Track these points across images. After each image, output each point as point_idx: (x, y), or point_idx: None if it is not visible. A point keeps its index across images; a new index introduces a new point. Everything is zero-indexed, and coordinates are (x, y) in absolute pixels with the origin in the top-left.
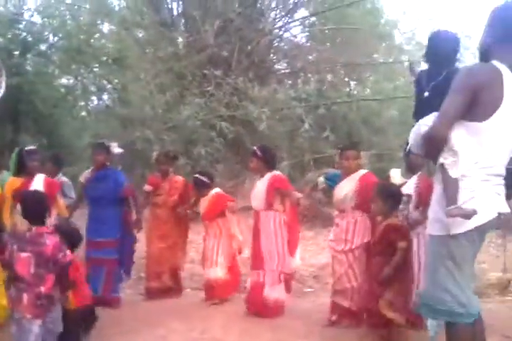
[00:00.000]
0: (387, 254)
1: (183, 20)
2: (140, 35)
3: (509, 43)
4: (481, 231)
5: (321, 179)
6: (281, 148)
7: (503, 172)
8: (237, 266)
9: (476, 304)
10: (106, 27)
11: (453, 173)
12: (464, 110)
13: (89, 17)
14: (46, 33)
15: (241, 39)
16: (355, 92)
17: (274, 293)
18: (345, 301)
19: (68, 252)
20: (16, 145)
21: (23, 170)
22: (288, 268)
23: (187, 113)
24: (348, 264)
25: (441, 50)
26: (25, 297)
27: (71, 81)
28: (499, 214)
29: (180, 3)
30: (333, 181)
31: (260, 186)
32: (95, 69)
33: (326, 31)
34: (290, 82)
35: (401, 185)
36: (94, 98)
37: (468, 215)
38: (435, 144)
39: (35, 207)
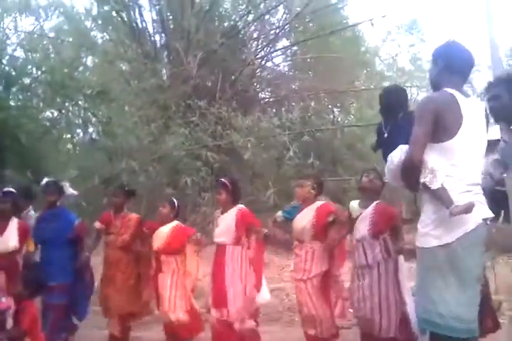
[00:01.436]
0: None
1: (166, 52)
2: (124, 67)
3: (452, 74)
4: (474, 239)
5: (279, 213)
6: (267, 176)
7: (479, 180)
8: (195, 307)
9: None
10: (89, 60)
11: (434, 185)
12: (431, 133)
13: (73, 50)
14: (29, 67)
15: (224, 69)
16: (339, 119)
17: (244, 325)
18: (310, 329)
19: (4, 300)
20: (1, 180)
21: None
22: (254, 304)
23: (172, 143)
24: (307, 292)
25: (393, 102)
26: None
27: (55, 114)
28: (484, 220)
29: (163, 35)
30: (291, 214)
31: (228, 220)
32: (80, 102)
33: (308, 60)
34: (274, 110)
35: (358, 216)
36: (79, 131)
37: (468, 208)
38: (414, 168)
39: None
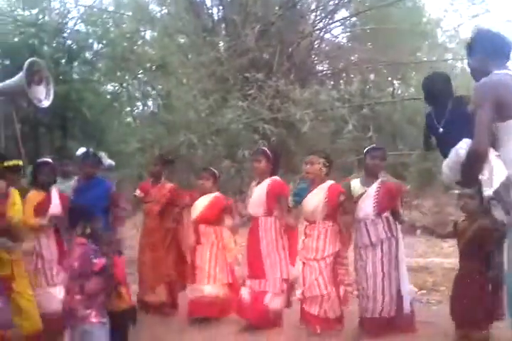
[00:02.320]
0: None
1: (223, 25)
2: (182, 41)
3: (495, 57)
4: None
5: (289, 198)
6: (325, 150)
7: None
8: (237, 281)
9: None
10: (148, 34)
11: (486, 192)
12: (493, 118)
13: (132, 24)
14: (90, 41)
15: (282, 41)
16: (399, 92)
17: (274, 303)
18: (314, 309)
19: (99, 260)
20: (65, 152)
21: (36, 182)
22: (290, 276)
23: (230, 116)
24: (319, 271)
25: (437, 91)
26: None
27: (116, 88)
28: None
29: (221, 8)
30: (300, 195)
31: (260, 191)
32: (139, 76)
33: (368, 31)
34: (332, 82)
35: (362, 194)
36: (139, 104)
37: None
38: (480, 158)
39: (71, 217)
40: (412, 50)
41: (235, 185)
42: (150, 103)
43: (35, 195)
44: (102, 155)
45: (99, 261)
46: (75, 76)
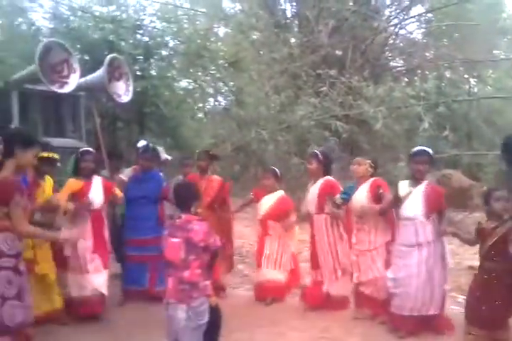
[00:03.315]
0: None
1: (296, 22)
2: (255, 37)
3: None
4: None
5: (337, 196)
6: (398, 148)
7: None
8: (298, 267)
9: None
10: (221, 30)
11: None
12: None
13: (206, 21)
14: (167, 38)
15: (355, 38)
16: (476, 90)
17: (333, 288)
18: (368, 289)
19: (218, 238)
20: None
21: (78, 170)
22: (342, 265)
23: (301, 113)
24: (372, 259)
25: None
26: (170, 281)
27: (190, 84)
28: None
29: (294, 4)
30: (347, 194)
31: (313, 191)
32: (212, 72)
33: (443, 27)
34: (406, 79)
35: (407, 195)
36: (211, 100)
37: None
38: None
39: (184, 196)
40: (489, 47)
41: (304, 181)
42: (221, 99)
43: (73, 183)
44: (160, 149)
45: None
46: (153, 72)
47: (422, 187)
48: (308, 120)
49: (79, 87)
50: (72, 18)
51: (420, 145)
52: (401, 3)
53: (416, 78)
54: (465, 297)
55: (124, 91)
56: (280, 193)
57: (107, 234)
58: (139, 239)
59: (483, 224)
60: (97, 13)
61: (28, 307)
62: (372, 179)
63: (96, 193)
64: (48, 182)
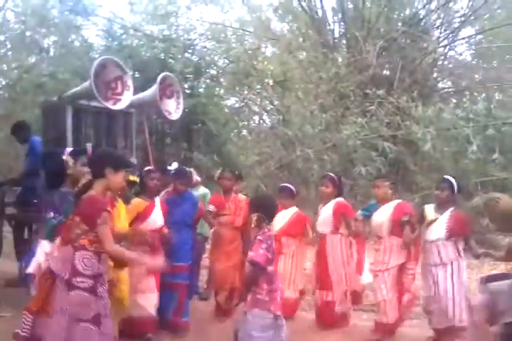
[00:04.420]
0: None
1: (344, 41)
2: (302, 56)
3: None
4: None
5: (359, 212)
6: (445, 170)
7: None
8: (306, 287)
9: None
10: (269, 50)
11: None
12: None
13: (254, 41)
14: (216, 58)
15: (403, 58)
16: None
17: (341, 307)
18: (377, 315)
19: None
20: (190, 163)
21: (144, 189)
22: (357, 286)
23: (347, 132)
24: (383, 280)
25: None
26: (279, 294)
27: (236, 102)
28: None
29: (342, 24)
30: (369, 210)
31: (326, 211)
32: (259, 91)
33: (494, 49)
34: (455, 101)
35: (434, 220)
36: (256, 118)
37: None
38: None
39: (274, 207)
40: None
41: (349, 202)
42: (266, 117)
43: (139, 203)
44: (191, 171)
45: None
46: (201, 90)
47: (446, 214)
48: (354, 140)
49: (131, 104)
50: (124, 36)
51: (468, 167)
52: (451, 24)
53: (464, 99)
54: None
55: (174, 109)
56: (295, 210)
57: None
58: (174, 265)
59: None
60: (148, 32)
61: (107, 335)
62: (397, 201)
63: (157, 214)
64: (121, 205)
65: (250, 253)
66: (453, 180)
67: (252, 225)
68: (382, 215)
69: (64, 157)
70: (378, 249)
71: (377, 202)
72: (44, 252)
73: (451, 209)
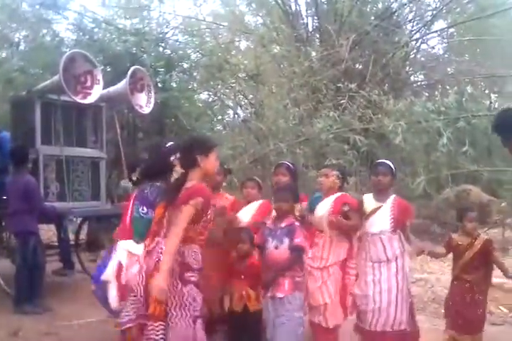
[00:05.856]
0: (485, 269)
1: (318, 35)
2: (275, 51)
3: None
4: None
5: (305, 207)
6: (417, 163)
7: None
8: None
9: None
10: (243, 44)
11: None
12: None
13: (228, 35)
14: (189, 51)
15: (376, 52)
16: (497, 105)
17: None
18: (316, 317)
19: None
20: None
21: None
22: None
23: (320, 126)
24: (322, 281)
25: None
26: None
27: (210, 96)
28: None
29: (316, 18)
30: (314, 204)
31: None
32: (232, 85)
33: (465, 42)
34: (427, 94)
35: (375, 210)
36: (230, 112)
37: None
38: None
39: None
40: (511, 63)
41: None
42: (240, 111)
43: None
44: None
45: None
46: (173, 84)
47: (389, 202)
48: (326, 133)
49: (101, 98)
50: (95, 30)
51: (439, 160)
52: (423, 18)
53: (436, 93)
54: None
55: (145, 103)
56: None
57: None
58: None
59: (457, 240)
60: (120, 26)
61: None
62: (339, 194)
63: None
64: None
65: (296, 240)
66: (391, 163)
67: (297, 213)
68: (323, 208)
69: (172, 158)
70: (317, 243)
71: (323, 194)
72: (128, 251)
73: (393, 196)
